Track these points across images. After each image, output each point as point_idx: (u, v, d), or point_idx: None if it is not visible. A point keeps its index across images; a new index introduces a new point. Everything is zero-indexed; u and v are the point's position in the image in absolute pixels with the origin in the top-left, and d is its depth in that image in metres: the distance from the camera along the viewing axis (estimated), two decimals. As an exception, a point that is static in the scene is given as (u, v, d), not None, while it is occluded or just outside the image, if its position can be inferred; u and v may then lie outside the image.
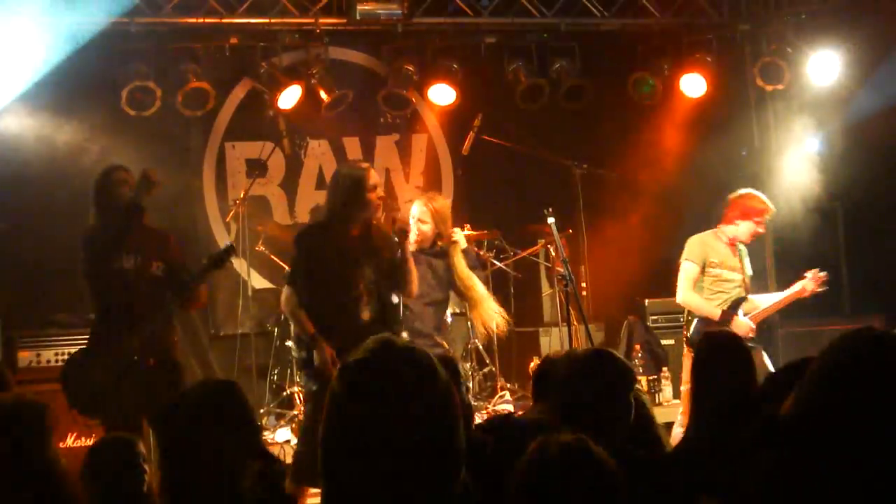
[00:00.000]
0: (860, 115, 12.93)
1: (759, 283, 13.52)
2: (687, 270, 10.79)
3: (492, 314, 9.91)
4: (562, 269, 10.15)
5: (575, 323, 10.63)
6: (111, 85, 12.26)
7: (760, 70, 13.85)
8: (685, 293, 10.74)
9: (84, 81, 12.12)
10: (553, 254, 10.95)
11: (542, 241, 12.51)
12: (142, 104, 12.24)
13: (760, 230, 10.96)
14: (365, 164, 8.99)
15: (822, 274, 10.93)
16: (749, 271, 11.03)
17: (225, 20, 12.56)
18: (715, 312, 10.61)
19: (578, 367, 5.26)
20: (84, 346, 9.26)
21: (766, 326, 11.38)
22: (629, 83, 13.87)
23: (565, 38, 13.79)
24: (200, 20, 12.47)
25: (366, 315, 8.67)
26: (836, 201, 13.40)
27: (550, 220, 9.98)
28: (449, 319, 10.79)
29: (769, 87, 13.91)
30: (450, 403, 2.66)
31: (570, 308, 10.34)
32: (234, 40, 12.98)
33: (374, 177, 8.80)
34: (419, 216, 9.78)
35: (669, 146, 13.94)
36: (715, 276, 10.80)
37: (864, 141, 12.80)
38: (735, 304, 10.72)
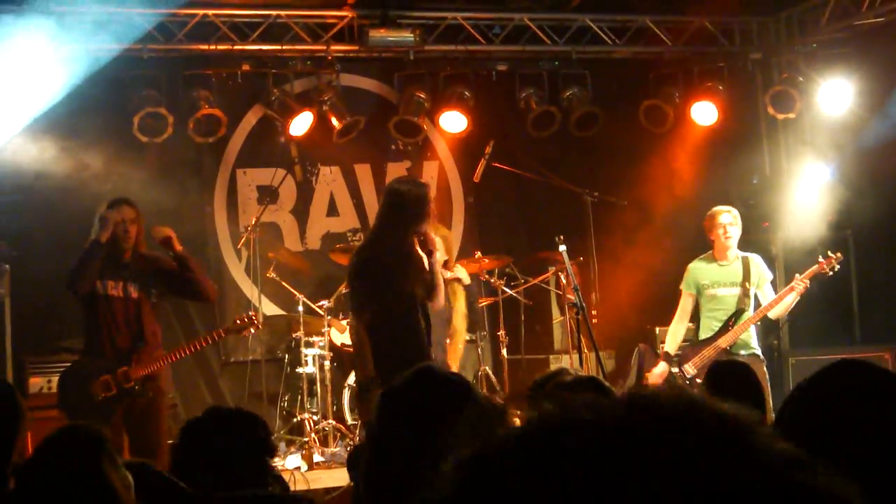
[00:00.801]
0: (871, 145, 12.93)
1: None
2: (683, 299, 11.27)
3: (460, 350, 10.05)
4: (573, 297, 10.16)
5: (585, 350, 10.62)
6: (123, 111, 12.31)
7: (772, 99, 13.86)
8: (672, 324, 11.26)
9: (97, 108, 12.18)
10: (564, 281, 10.95)
11: (552, 269, 12.52)
12: (154, 130, 12.28)
13: (726, 239, 11.18)
14: (424, 180, 9.07)
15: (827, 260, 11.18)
16: (763, 279, 11.26)
17: (237, 47, 12.61)
18: (666, 347, 11.17)
19: None
20: (72, 366, 9.78)
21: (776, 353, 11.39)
22: (640, 111, 13.89)
23: (577, 65, 13.82)
24: (212, 47, 12.52)
25: (422, 328, 8.77)
26: (847, 230, 13.38)
27: (562, 247, 9.99)
28: (461, 346, 10.84)
29: (780, 116, 13.92)
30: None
31: (581, 335, 10.34)
32: (246, 67, 13.03)
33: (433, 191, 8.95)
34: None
35: (681, 174, 13.94)
36: (710, 297, 11.12)
37: (876, 170, 12.80)
38: (725, 323, 10.96)
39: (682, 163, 14.06)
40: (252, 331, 10.39)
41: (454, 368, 9.90)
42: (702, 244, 12.69)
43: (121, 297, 9.60)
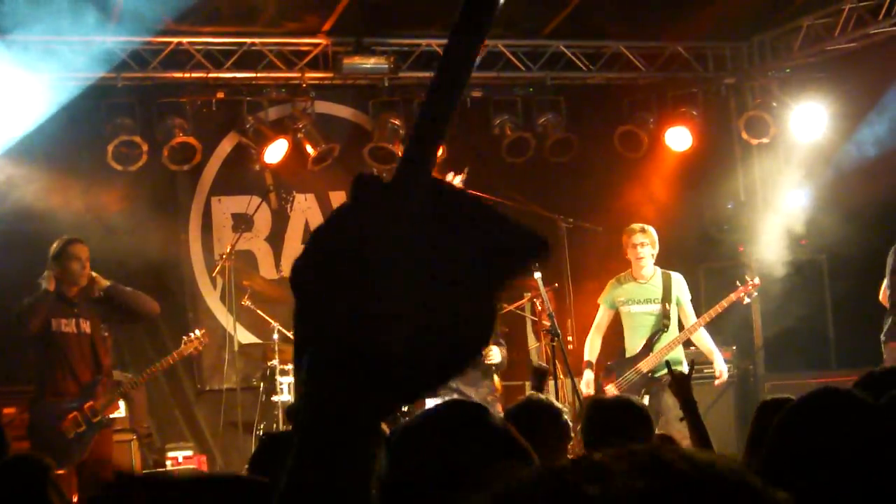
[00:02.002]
0: (844, 169, 12.98)
1: (746, 333, 13.56)
2: (600, 313, 11.47)
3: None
4: (548, 323, 10.17)
5: (561, 376, 10.62)
6: (98, 139, 12.29)
7: (746, 124, 13.92)
8: (589, 335, 11.41)
9: (71, 136, 12.18)
10: (539, 308, 10.95)
11: (528, 295, 12.49)
12: (128, 159, 12.26)
13: (638, 259, 11.31)
14: None
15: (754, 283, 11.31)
16: (682, 299, 11.38)
17: (211, 75, 12.60)
18: (587, 356, 11.31)
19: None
20: (37, 409, 9.91)
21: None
22: (615, 136, 13.93)
23: (551, 91, 13.87)
24: (187, 75, 12.52)
25: None
26: (822, 254, 13.42)
27: (536, 274, 10.00)
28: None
29: (754, 141, 13.98)
30: None
31: (557, 361, 10.34)
32: (220, 95, 13.03)
33: None
34: None
35: (656, 199, 13.97)
36: (626, 314, 11.28)
37: (849, 194, 12.84)
38: (650, 339, 11.10)
39: (657, 188, 14.11)
40: (200, 348, 10.58)
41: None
42: (678, 268, 12.73)
43: (74, 333, 9.80)
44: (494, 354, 10.82)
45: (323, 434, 1.35)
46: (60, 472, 9.31)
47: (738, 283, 11.52)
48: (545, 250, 1.37)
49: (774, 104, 13.89)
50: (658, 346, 11.05)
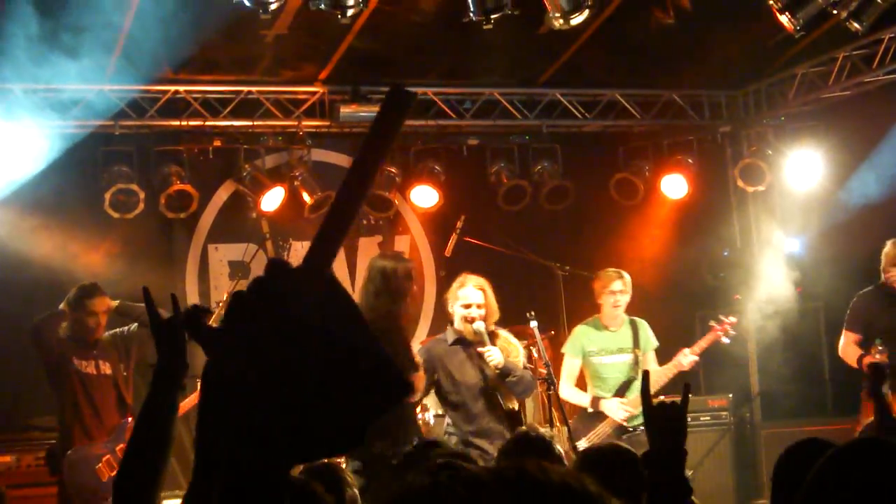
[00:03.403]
0: (840, 217, 13.00)
1: (742, 381, 13.54)
2: (566, 364, 11.16)
3: None
4: (544, 371, 10.14)
5: (558, 424, 10.60)
6: (95, 187, 12.31)
7: (741, 171, 13.97)
8: (562, 386, 10.95)
9: (68, 184, 12.20)
10: (536, 356, 10.93)
11: (524, 343, 12.48)
12: (125, 206, 12.28)
13: (615, 308, 11.18)
14: (406, 256, 9.12)
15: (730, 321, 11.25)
16: (649, 345, 11.25)
17: (208, 123, 12.64)
18: (585, 401, 10.97)
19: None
20: (71, 454, 9.95)
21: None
22: (611, 184, 13.97)
23: (547, 139, 13.91)
24: (184, 123, 12.55)
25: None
26: (819, 302, 13.43)
27: (533, 323, 10.01)
28: (432, 421, 10.77)
29: (750, 189, 14.02)
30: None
31: (553, 410, 10.33)
32: (217, 143, 13.06)
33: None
34: (477, 301, 9.61)
35: (652, 247, 13.99)
36: (597, 365, 11.09)
37: (845, 242, 12.86)
38: (622, 387, 10.96)
39: (652, 236, 14.13)
40: None
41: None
42: (673, 316, 12.75)
43: (95, 374, 9.79)
44: None
45: None
46: None
47: (712, 322, 11.46)
48: (401, 393, 1.47)
49: (770, 152, 13.94)
50: (630, 396, 10.91)
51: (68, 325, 10.04)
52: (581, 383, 11.26)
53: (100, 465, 9.77)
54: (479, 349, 9.48)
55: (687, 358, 11.01)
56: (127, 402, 10.00)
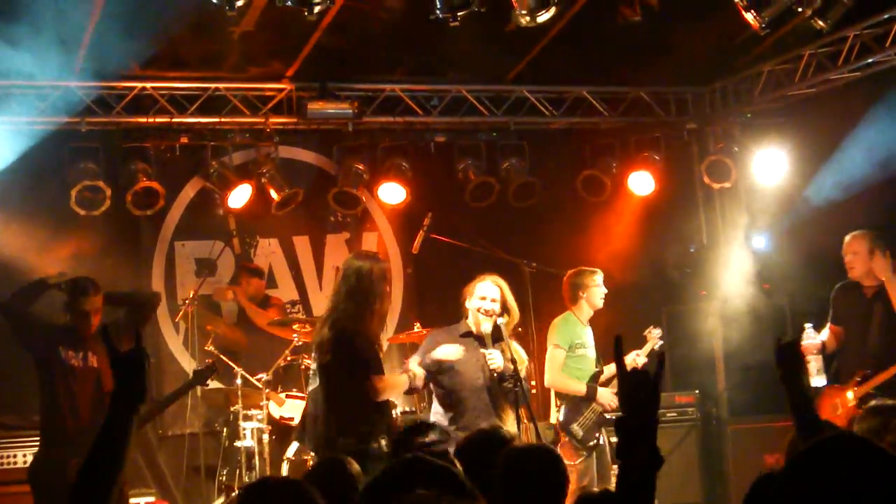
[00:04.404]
0: (806, 213, 13.05)
1: (709, 378, 13.59)
2: (555, 355, 11.27)
3: None
4: (511, 368, 10.13)
5: (525, 421, 10.59)
6: (61, 184, 12.26)
7: (707, 168, 14.02)
8: (554, 376, 11.27)
9: (34, 180, 12.16)
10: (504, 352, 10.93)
11: (492, 340, 12.49)
12: (91, 203, 12.23)
13: (601, 300, 11.42)
14: (383, 256, 9.10)
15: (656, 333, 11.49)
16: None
17: (175, 120, 12.58)
18: (581, 388, 11.18)
19: None
20: (39, 458, 9.66)
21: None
22: (578, 181, 13.99)
23: (515, 136, 13.93)
24: (151, 120, 12.49)
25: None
26: (785, 298, 13.47)
27: (500, 320, 9.98)
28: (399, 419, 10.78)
29: (716, 185, 14.08)
30: None
31: (520, 407, 10.32)
32: (184, 140, 13.01)
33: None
34: (493, 295, 9.63)
35: (618, 244, 14.02)
36: (580, 357, 11.30)
37: (812, 238, 12.90)
38: (594, 377, 11.24)
39: (620, 232, 14.17)
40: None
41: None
42: (641, 312, 12.78)
43: (81, 366, 9.58)
44: None
45: None
46: None
47: (645, 334, 11.57)
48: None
49: (736, 149, 14.01)
50: (600, 384, 11.16)
51: (64, 316, 9.81)
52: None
53: (69, 466, 9.26)
54: (482, 349, 9.51)
55: (640, 358, 11.18)
56: (106, 401, 9.61)
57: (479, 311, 9.57)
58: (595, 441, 11.11)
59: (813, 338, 10.40)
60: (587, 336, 11.38)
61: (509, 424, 9.31)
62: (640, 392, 3.64)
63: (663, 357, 4.27)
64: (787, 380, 4.79)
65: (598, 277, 11.43)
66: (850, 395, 10.43)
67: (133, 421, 3.86)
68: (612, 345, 4.01)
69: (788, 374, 4.82)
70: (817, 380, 10.42)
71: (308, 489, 4.30)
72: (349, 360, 8.80)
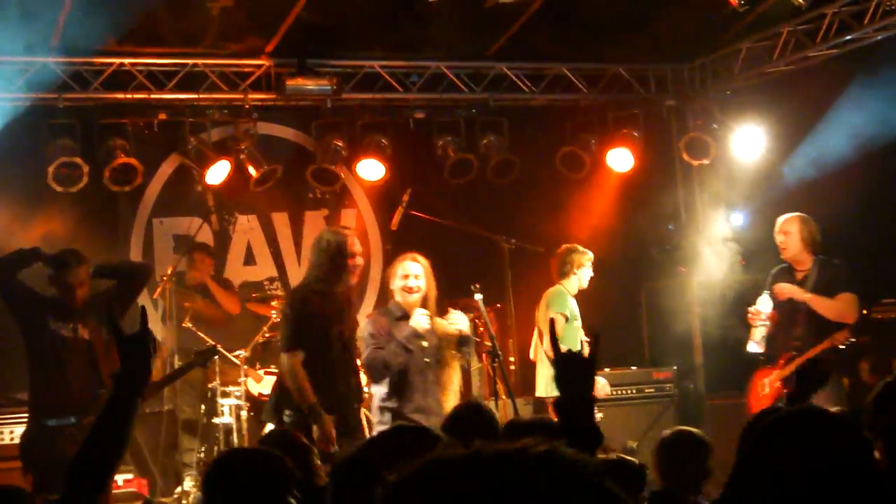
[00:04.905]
0: (784, 190, 13.08)
1: (686, 354, 13.64)
2: (560, 322, 11.19)
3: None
4: (489, 344, 10.15)
5: (503, 397, 10.62)
6: (38, 161, 12.21)
7: (686, 145, 14.03)
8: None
9: (11, 157, 12.10)
10: (481, 328, 10.95)
11: (470, 316, 12.48)
12: (69, 180, 12.19)
13: (588, 278, 11.58)
14: (348, 230, 9.02)
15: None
16: None
17: (153, 96, 12.54)
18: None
19: None
20: (31, 430, 9.52)
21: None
22: (557, 158, 13.99)
23: (494, 113, 13.91)
24: (128, 96, 12.45)
25: (353, 381, 8.84)
26: (762, 274, 13.48)
27: (478, 296, 10.00)
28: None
29: (695, 162, 14.09)
30: None
31: (498, 382, 10.35)
32: (162, 116, 12.98)
33: (356, 243, 8.87)
34: (415, 272, 9.59)
35: (597, 220, 14.02)
36: (576, 328, 11.37)
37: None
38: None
39: (599, 209, 14.17)
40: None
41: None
42: (620, 289, 12.80)
43: (72, 337, 9.37)
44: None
45: None
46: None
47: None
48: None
49: (715, 126, 14.02)
50: None
51: (50, 287, 9.61)
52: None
53: (64, 437, 9.02)
54: (444, 318, 9.54)
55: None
56: (101, 371, 9.33)
57: (403, 289, 9.54)
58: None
59: (764, 306, 10.47)
60: (578, 309, 11.44)
61: (448, 402, 9.35)
62: (575, 372, 3.65)
63: (598, 338, 4.27)
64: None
65: (590, 259, 11.49)
66: (774, 375, 10.53)
67: (137, 402, 3.86)
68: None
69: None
70: (753, 345, 10.55)
71: (277, 455, 4.32)
72: (282, 332, 8.87)
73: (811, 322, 10.42)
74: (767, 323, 10.52)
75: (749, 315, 10.59)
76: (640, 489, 5.55)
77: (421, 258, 9.68)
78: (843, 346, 10.19)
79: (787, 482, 2.98)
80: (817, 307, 10.33)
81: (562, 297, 11.42)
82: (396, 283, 9.60)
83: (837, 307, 10.30)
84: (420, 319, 9.36)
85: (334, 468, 3.15)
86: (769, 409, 5.03)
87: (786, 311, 10.61)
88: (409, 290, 9.48)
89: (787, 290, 10.45)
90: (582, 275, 11.47)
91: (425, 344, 9.40)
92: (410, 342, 9.39)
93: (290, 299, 9.17)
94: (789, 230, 10.62)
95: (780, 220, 10.78)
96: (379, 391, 9.45)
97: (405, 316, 9.48)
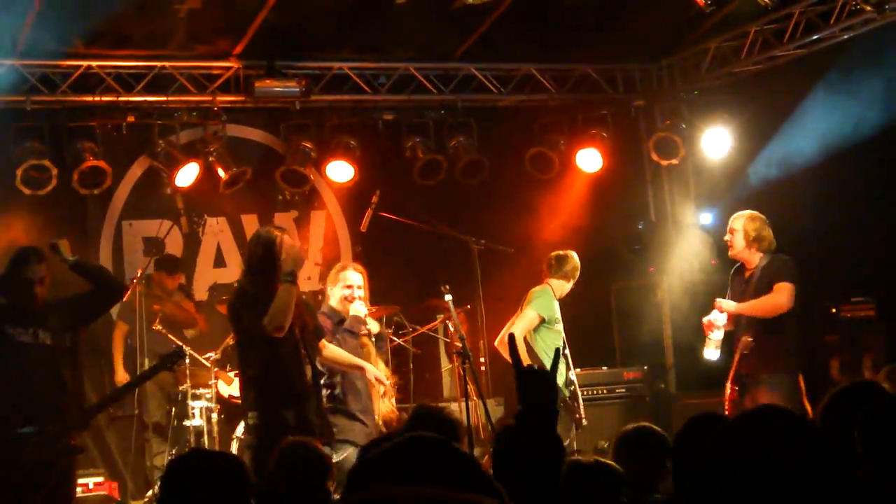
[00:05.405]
0: (753, 189, 13.13)
1: (657, 353, 13.68)
2: (531, 318, 11.25)
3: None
4: (459, 345, 10.15)
5: (474, 398, 10.63)
6: (6, 163, 12.15)
7: (655, 145, 14.06)
8: (520, 336, 11.14)
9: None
10: (451, 329, 10.95)
11: (441, 317, 12.49)
12: (37, 183, 12.14)
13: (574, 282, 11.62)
14: (278, 230, 8.93)
15: None
16: None
17: (122, 98, 12.51)
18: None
19: None
20: None
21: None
22: (526, 158, 14.02)
23: (462, 114, 13.92)
24: (97, 98, 12.42)
25: (308, 376, 8.79)
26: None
27: (447, 297, 10.01)
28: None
29: (664, 162, 14.12)
30: None
31: (469, 383, 10.34)
32: (131, 119, 12.94)
33: (287, 240, 8.77)
34: (358, 282, 9.96)
35: (567, 221, 14.04)
36: (556, 332, 11.33)
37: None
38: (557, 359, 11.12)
39: (568, 209, 14.19)
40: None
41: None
42: (589, 288, 12.80)
43: (32, 343, 8.68)
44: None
45: None
46: None
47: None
48: None
49: (683, 125, 14.05)
50: (566, 366, 11.18)
51: (5, 290, 9.14)
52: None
53: (25, 449, 8.45)
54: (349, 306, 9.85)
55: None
56: (64, 379, 8.78)
57: (346, 298, 9.85)
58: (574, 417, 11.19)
59: (718, 317, 10.46)
60: (560, 312, 11.43)
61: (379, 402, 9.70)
62: (535, 385, 3.66)
63: (558, 353, 4.34)
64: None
65: (577, 276, 11.60)
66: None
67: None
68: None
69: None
70: (709, 352, 10.54)
71: (240, 462, 4.30)
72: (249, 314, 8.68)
73: (752, 321, 10.39)
74: (723, 331, 10.50)
75: (704, 325, 10.57)
76: (619, 492, 5.57)
77: (360, 267, 10.04)
78: (748, 351, 10.21)
79: (723, 479, 3.00)
80: (752, 313, 10.29)
81: (546, 297, 11.38)
82: (337, 291, 9.92)
83: (768, 303, 10.21)
84: (358, 306, 9.82)
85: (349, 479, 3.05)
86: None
87: (734, 316, 10.59)
88: (351, 300, 9.68)
89: (724, 305, 10.43)
90: (569, 285, 11.48)
91: (357, 312, 9.82)
92: (354, 327, 9.62)
93: (239, 296, 8.81)
94: (734, 228, 10.60)
95: (732, 218, 10.80)
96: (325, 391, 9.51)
97: (342, 321, 9.68)
